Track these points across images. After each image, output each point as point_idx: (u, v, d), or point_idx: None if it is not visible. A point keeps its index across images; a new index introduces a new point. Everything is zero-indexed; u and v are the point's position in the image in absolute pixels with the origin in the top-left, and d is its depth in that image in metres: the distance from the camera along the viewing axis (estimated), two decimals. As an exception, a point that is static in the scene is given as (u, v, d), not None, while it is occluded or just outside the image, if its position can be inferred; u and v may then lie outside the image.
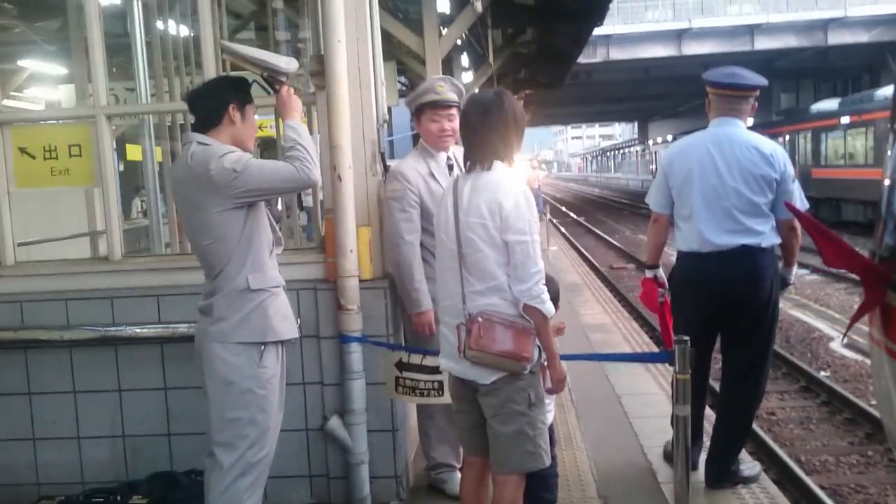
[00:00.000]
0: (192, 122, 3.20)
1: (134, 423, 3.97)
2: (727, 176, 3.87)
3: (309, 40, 4.10)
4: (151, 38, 4.88)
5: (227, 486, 3.07)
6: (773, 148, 3.93)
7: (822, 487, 5.51)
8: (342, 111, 3.67)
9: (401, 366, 3.74)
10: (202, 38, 3.97)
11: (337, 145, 3.67)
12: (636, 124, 77.49)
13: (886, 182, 3.05)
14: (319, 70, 3.75)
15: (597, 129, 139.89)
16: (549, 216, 20.01)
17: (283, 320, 3.20)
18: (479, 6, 7.73)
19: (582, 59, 24.39)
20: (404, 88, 16.52)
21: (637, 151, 77.21)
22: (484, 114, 2.92)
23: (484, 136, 2.90)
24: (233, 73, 3.34)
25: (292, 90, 3.29)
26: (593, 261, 17.92)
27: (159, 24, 4.99)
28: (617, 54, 32.12)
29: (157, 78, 4.82)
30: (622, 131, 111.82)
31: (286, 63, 3.25)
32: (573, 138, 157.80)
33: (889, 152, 3.14)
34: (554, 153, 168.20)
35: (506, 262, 2.80)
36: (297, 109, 3.25)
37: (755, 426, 6.58)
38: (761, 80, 4.08)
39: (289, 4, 5.81)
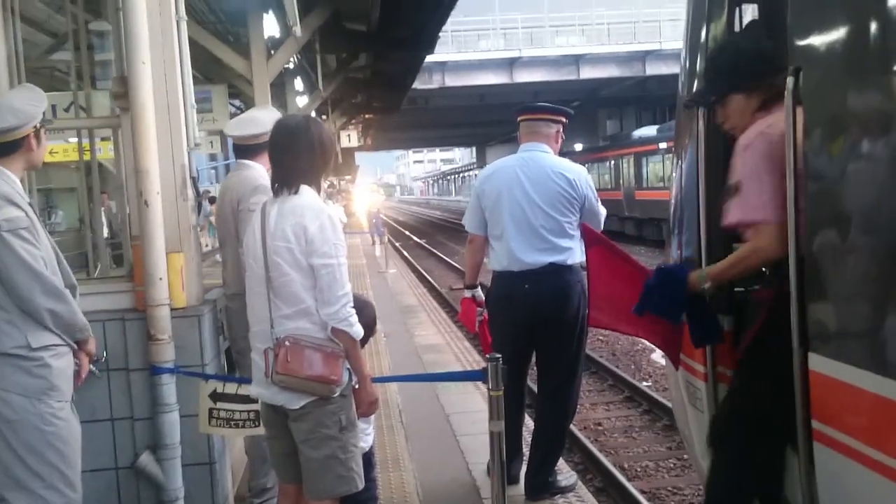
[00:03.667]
0: None
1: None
2: (534, 196, 4.05)
3: (112, 62, 3.94)
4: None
5: None
6: (577, 172, 4.14)
7: (642, 492, 5.80)
8: (148, 135, 3.55)
9: (215, 396, 3.63)
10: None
11: (143, 169, 3.54)
12: (474, 149, 79.61)
13: (672, 201, 3.29)
14: (123, 92, 3.62)
15: (438, 154, 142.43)
16: (388, 239, 20.06)
17: None
18: (297, 31, 7.67)
19: (418, 85, 24.86)
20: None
21: (476, 175, 79.26)
22: (290, 137, 2.94)
23: (290, 159, 2.91)
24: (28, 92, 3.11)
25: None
26: (432, 282, 18.15)
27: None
28: (452, 81, 32.97)
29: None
30: (462, 155, 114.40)
31: None
32: (415, 162, 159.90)
33: (674, 174, 3.39)
34: (396, 177, 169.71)
35: (312, 286, 2.79)
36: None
37: (582, 437, 6.87)
38: (563, 108, 4.32)
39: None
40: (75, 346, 3.08)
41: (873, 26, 1.93)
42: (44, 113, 3.00)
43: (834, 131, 2.08)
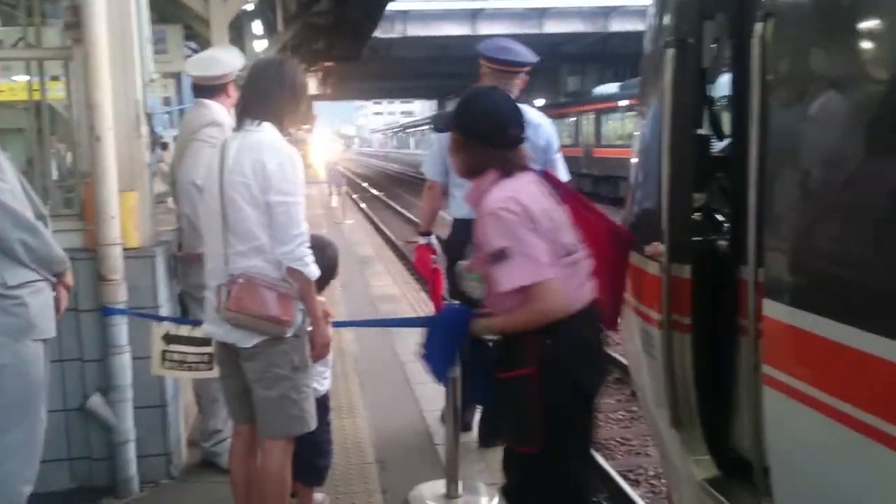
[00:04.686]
0: None
1: None
2: None
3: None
4: None
5: None
6: (540, 119, 4.12)
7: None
8: (101, 67, 3.45)
9: (168, 339, 3.58)
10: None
11: (95, 104, 3.45)
12: (436, 101, 78.96)
13: (633, 158, 3.28)
14: (75, 21, 3.49)
15: (398, 106, 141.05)
16: (346, 190, 19.89)
17: None
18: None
19: (380, 34, 24.48)
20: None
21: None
22: (261, 71, 2.94)
23: (257, 92, 2.87)
24: None
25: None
26: (389, 234, 18.10)
27: None
28: (414, 30, 32.50)
29: None
30: (422, 108, 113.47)
31: None
32: (374, 114, 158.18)
33: (637, 133, 3.38)
34: (356, 128, 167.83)
35: (268, 224, 2.74)
36: None
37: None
38: (532, 57, 4.25)
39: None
40: (54, 280, 2.99)
41: None
42: None
43: (805, 86, 2.02)
